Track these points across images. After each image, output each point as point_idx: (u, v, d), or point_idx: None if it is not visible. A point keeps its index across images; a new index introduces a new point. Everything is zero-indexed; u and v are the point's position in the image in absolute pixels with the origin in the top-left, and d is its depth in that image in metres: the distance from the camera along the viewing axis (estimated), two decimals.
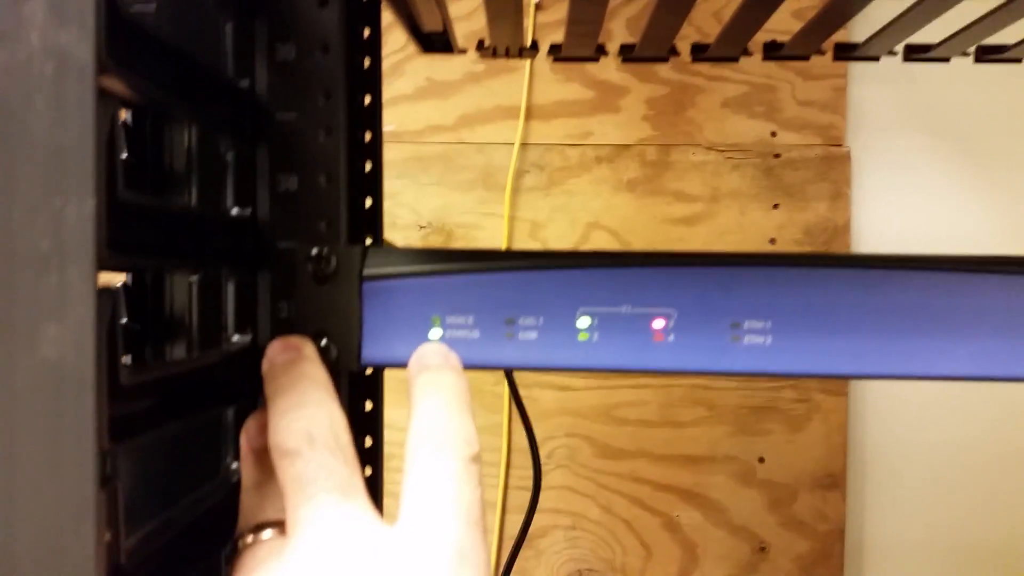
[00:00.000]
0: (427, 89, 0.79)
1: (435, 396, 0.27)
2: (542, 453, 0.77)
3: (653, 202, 0.78)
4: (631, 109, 0.79)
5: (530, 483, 0.66)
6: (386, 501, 0.35)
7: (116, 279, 0.29)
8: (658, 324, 0.29)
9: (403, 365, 0.29)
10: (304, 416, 0.25)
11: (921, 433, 0.78)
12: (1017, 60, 0.39)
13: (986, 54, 0.39)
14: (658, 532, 0.77)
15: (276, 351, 0.27)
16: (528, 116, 0.79)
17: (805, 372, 0.29)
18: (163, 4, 0.31)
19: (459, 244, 0.78)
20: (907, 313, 0.29)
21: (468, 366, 0.29)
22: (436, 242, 0.78)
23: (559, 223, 0.78)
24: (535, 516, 0.75)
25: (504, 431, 0.77)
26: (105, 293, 0.20)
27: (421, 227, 0.78)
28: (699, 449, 0.77)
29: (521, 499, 0.77)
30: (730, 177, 0.78)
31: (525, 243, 0.78)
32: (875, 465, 0.78)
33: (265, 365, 0.27)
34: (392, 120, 0.79)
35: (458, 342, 0.30)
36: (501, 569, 0.70)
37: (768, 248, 0.77)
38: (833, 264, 0.29)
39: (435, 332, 0.30)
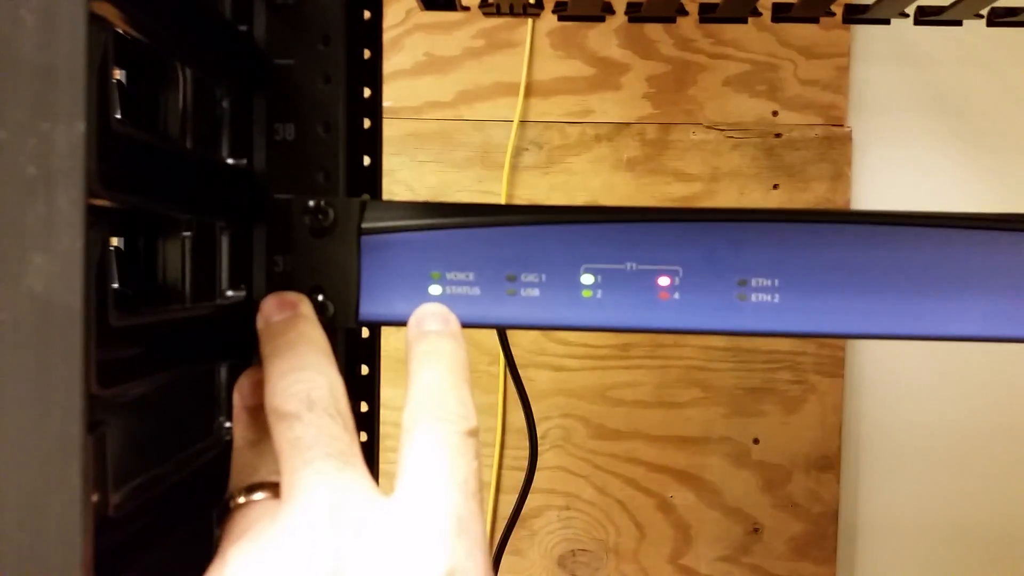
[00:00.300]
0: (426, 64, 0.78)
1: (433, 366, 0.26)
2: (537, 433, 0.76)
3: (652, 181, 0.77)
4: (632, 87, 0.78)
5: (525, 463, 0.66)
6: (380, 480, 0.35)
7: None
8: (663, 282, 0.29)
9: (402, 323, 0.29)
10: (303, 379, 0.24)
11: (916, 415, 0.78)
12: None
13: (999, 17, 0.39)
14: (652, 513, 0.76)
15: (272, 308, 0.27)
16: (527, 93, 0.78)
17: (814, 331, 0.28)
18: None
19: None
20: (918, 271, 0.28)
21: (468, 324, 0.28)
22: None
23: (558, 201, 0.77)
24: (530, 497, 0.75)
25: (499, 411, 0.76)
26: (96, 221, 0.19)
27: None
28: (694, 430, 0.76)
29: (515, 479, 0.76)
30: (730, 156, 0.77)
31: None
32: (870, 447, 0.78)
33: (260, 322, 0.27)
34: (390, 96, 0.78)
35: (458, 299, 0.29)
36: (495, 549, 0.70)
37: None
38: (842, 220, 0.28)
39: (435, 288, 0.29)
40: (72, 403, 0.18)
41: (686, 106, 0.77)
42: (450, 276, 0.29)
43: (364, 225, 0.29)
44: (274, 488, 0.24)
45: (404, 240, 0.29)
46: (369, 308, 0.29)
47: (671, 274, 0.28)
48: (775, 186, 0.77)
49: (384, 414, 0.35)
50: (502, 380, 0.76)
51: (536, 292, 0.29)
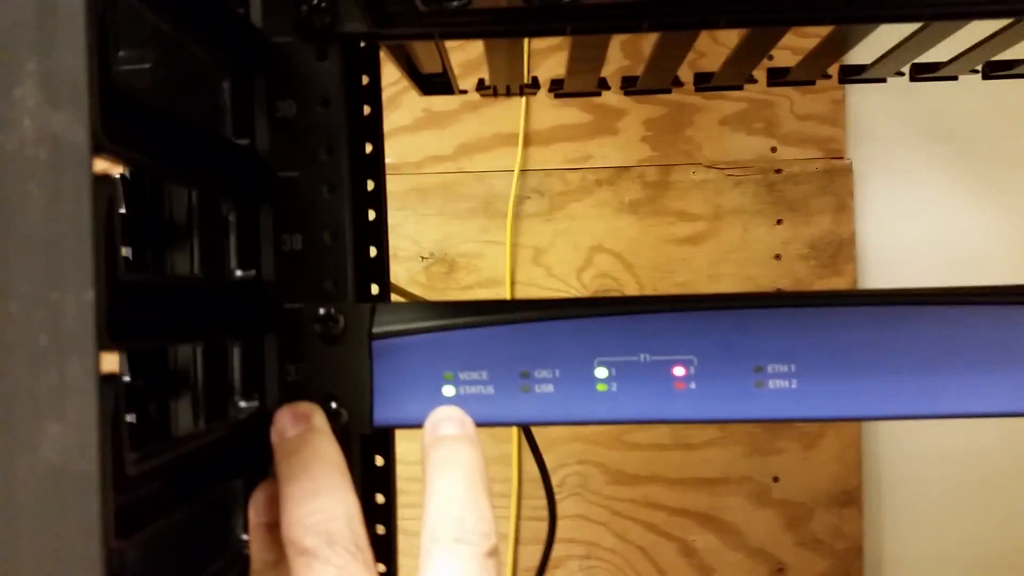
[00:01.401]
0: (425, 120, 0.79)
1: (451, 476, 0.26)
2: (554, 481, 0.76)
3: (656, 223, 0.77)
4: (629, 131, 0.78)
5: (542, 513, 0.65)
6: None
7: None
8: (678, 372, 0.28)
9: (417, 426, 0.28)
10: (320, 509, 0.24)
11: (936, 446, 0.77)
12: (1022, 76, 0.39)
13: (995, 70, 0.39)
14: (674, 558, 0.75)
15: (285, 422, 0.27)
16: (527, 142, 0.78)
17: (834, 416, 0.28)
18: (158, 63, 0.31)
19: (462, 273, 0.78)
20: (936, 350, 0.28)
21: (483, 423, 0.28)
22: (438, 272, 0.78)
23: (562, 248, 0.77)
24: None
25: (514, 461, 0.76)
26: (108, 382, 0.19)
27: (423, 258, 0.78)
28: (713, 471, 0.76)
29: (533, 530, 0.76)
30: (732, 194, 0.77)
31: (528, 269, 0.77)
32: (891, 480, 0.77)
33: (275, 437, 0.26)
34: (390, 153, 0.78)
35: (472, 399, 0.29)
36: None
37: (774, 264, 0.76)
38: (856, 302, 0.28)
39: (448, 389, 0.29)
40: (92, 567, 0.18)
41: (684, 147, 0.78)
42: (463, 376, 0.29)
43: (374, 330, 0.29)
44: None
45: (415, 343, 0.29)
46: (383, 413, 0.29)
47: (686, 364, 0.28)
48: (779, 221, 0.77)
49: (400, 469, 0.35)
50: (516, 430, 0.76)
51: (551, 388, 0.29)
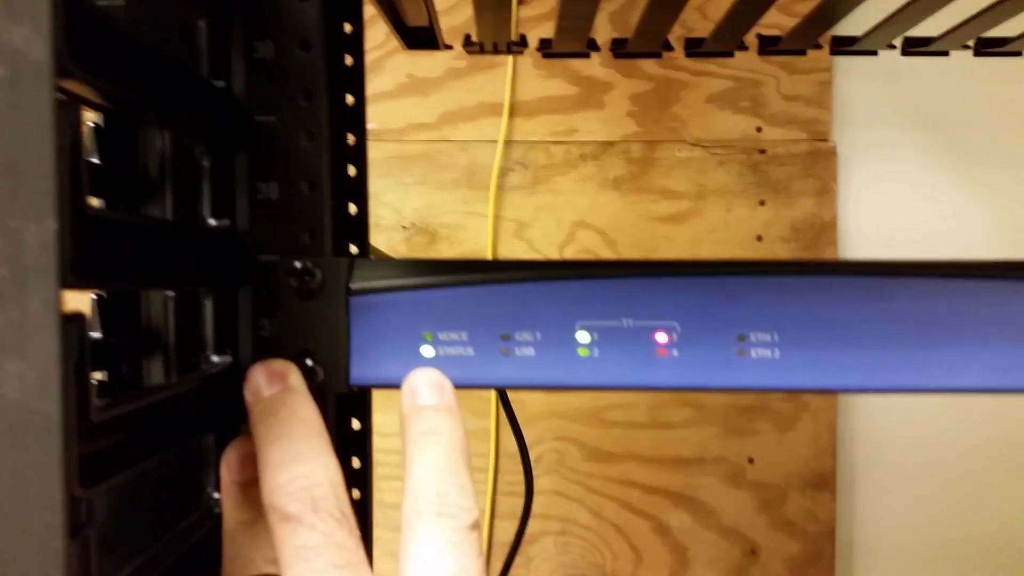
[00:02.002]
0: (408, 86, 0.77)
1: (432, 450, 0.25)
2: (530, 458, 0.75)
3: (639, 200, 0.77)
4: (616, 105, 0.77)
5: (519, 488, 0.65)
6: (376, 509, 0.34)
7: (85, 296, 0.27)
8: (661, 338, 0.28)
9: (394, 386, 0.28)
10: (303, 474, 0.24)
11: (910, 431, 0.77)
12: (1017, 53, 0.38)
13: (986, 47, 0.38)
14: (648, 536, 0.76)
15: (261, 380, 0.26)
16: (512, 113, 0.77)
17: (817, 387, 0.27)
18: (132, 1, 0.29)
19: (443, 244, 0.77)
20: (920, 323, 0.27)
21: (462, 386, 0.28)
22: (420, 242, 0.77)
23: (544, 222, 0.77)
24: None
25: (492, 436, 0.76)
26: (72, 322, 0.18)
27: (404, 228, 0.77)
28: (688, 451, 0.76)
29: (510, 505, 0.75)
30: (716, 174, 0.77)
31: (510, 243, 0.76)
32: (865, 464, 0.78)
33: (249, 396, 0.26)
34: (373, 118, 0.77)
35: (451, 360, 0.28)
36: None
37: (755, 245, 0.76)
38: (843, 272, 0.28)
39: (427, 349, 0.28)
40: (53, 511, 0.17)
41: (670, 124, 0.77)
42: (443, 336, 0.28)
43: (352, 286, 0.28)
44: None
45: (394, 300, 0.28)
46: (360, 372, 0.28)
47: (668, 330, 0.28)
48: (761, 202, 0.76)
49: (376, 441, 0.34)
50: (494, 404, 0.75)
51: (531, 351, 0.28)
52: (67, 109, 0.18)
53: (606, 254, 0.76)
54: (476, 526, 0.25)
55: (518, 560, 0.75)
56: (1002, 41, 0.38)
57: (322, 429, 0.25)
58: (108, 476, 0.19)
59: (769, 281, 0.28)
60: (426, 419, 0.26)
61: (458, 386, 0.28)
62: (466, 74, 0.77)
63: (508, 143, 0.77)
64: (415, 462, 0.25)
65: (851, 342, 0.28)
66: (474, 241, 0.76)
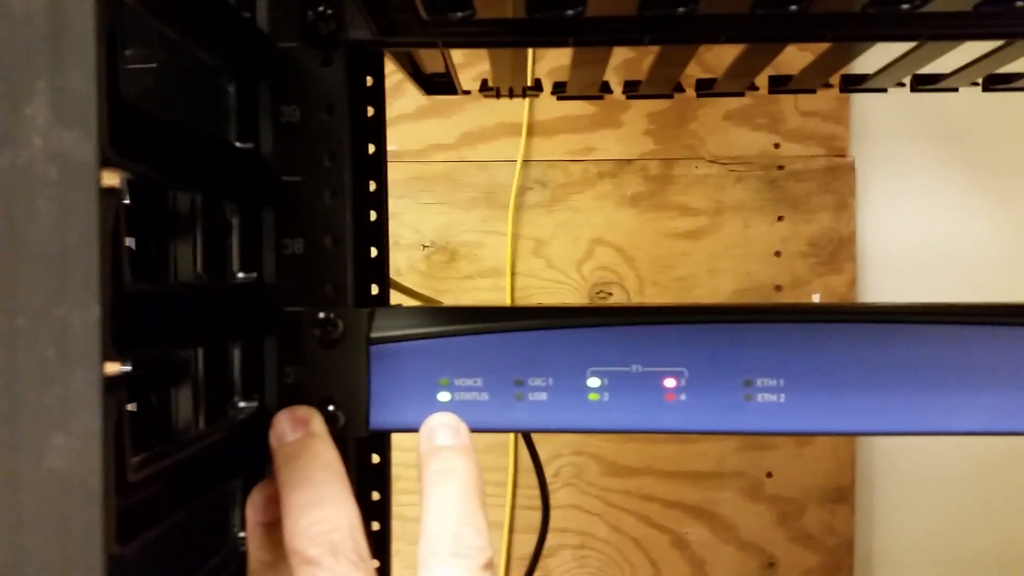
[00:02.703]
0: (428, 108, 0.79)
1: (446, 490, 0.26)
2: (549, 472, 0.77)
3: (656, 217, 0.78)
4: (633, 123, 0.78)
5: (536, 502, 0.66)
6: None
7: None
8: (669, 383, 0.29)
9: (412, 430, 0.29)
10: (323, 519, 0.25)
11: (929, 443, 0.77)
12: (1022, 90, 0.39)
13: (994, 83, 0.39)
14: (667, 550, 0.77)
15: (285, 426, 0.27)
16: (530, 133, 0.78)
17: (820, 431, 0.28)
18: (164, 65, 0.31)
19: (463, 262, 0.78)
20: (924, 367, 0.28)
21: (477, 429, 0.29)
22: (439, 261, 0.78)
23: (563, 240, 0.78)
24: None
25: (511, 450, 0.77)
26: (111, 394, 0.19)
27: (424, 247, 0.78)
28: (707, 465, 0.77)
29: (528, 519, 0.77)
30: (733, 190, 0.77)
31: (529, 260, 0.78)
32: (884, 477, 0.78)
33: (274, 441, 0.27)
34: (393, 140, 0.79)
35: (467, 404, 0.29)
36: None
37: (773, 260, 0.77)
38: (846, 318, 0.29)
39: (444, 395, 0.29)
40: (94, 570, 0.18)
41: (688, 141, 0.78)
42: (458, 382, 0.29)
43: (373, 335, 0.29)
44: None
45: (412, 348, 0.29)
46: (379, 417, 0.29)
47: (677, 375, 0.29)
48: (780, 218, 0.77)
49: (396, 455, 0.35)
50: None
51: (544, 396, 0.29)
52: (108, 198, 0.19)
53: (624, 271, 0.77)
54: (489, 566, 0.26)
55: (537, 574, 0.76)
56: (1011, 77, 0.38)
57: (342, 473, 0.26)
58: (144, 530, 0.21)
59: (774, 328, 0.29)
60: (442, 459, 0.28)
61: (473, 430, 0.29)
62: (499, 99, 0.79)
63: (526, 162, 0.78)
64: (431, 500, 0.27)
65: (855, 386, 0.28)
66: (493, 259, 0.78)
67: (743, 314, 0.29)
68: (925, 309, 0.29)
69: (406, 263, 0.78)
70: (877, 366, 0.28)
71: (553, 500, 0.77)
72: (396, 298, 0.43)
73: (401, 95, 0.78)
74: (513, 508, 0.77)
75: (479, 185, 0.78)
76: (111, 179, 0.20)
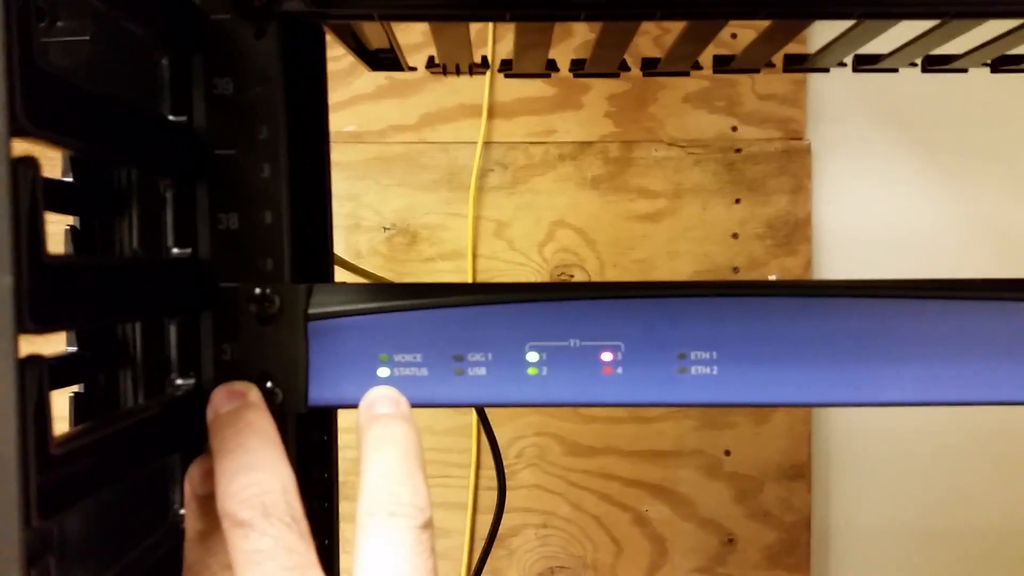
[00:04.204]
0: (388, 88, 0.78)
1: (385, 454, 0.27)
2: (511, 453, 0.77)
3: (617, 199, 0.78)
4: (593, 106, 0.79)
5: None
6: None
7: None
8: (606, 357, 0.29)
9: (352, 406, 0.29)
10: (255, 482, 0.25)
11: (885, 422, 0.79)
12: (963, 70, 0.40)
13: (933, 64, 0.39)
14: (628, 527, 0.78)
15: (220, 399, 0.27)
16: (491, 114, 0.78)
17: (752, 402, 0.29)
18: (95, 38, 0.30)
19: (424, 245, 0.78)
20: (852, 340, 0.29)
21: (417, 404, 0.29)
22: (400, 243, 0.78)
23: (524, 222, 0.78)
24: (507, 516, 0.76)
25: (473, 432, 0.77)
26: (30, 367, 0.19)
27: (385, 228, 0.78)
28: (666, 444, 0.78)
29: (491, 499, 0.77)
30: (692, 172, 0.78)
31: (490, 242, 0.78)
32: (839, 455, 0.80)
33: (210, 414, 0.27)
34: (353, 120, 0.78)
35: (407, 380, 0.29)
36: (472, 571, 0.71)
37: (731, 242, 0.77)
38: (777, 292, 0.29)
39: (383, 371, 0.29)
40: (9, 543, 0.18)
41: (647, 124, 0.78)
42: (398, 358, 0.29)
43: (311, 311, 0.29)
44: None
45: (351, 324, 0.29)
46: (318, 393, 0.29)
47: (614, 349, 0.29)
48: (737, 200, 0.78)
49: (342, 438, 0.35)
50: None
51: (483, 371, 0.29)
52: (23, 167, 0.19)
53: (584, 253, 0.78)
54: (428, 525, 0.26)
55: (501, 552, 0.77)
56: (948, 58, 0.39)
57: (276, 441, 0.26)
58: (70, 504, 0.21)
59: (708, 302, 0.29)
60: (382, 426, 0.28)
61: (414, 405, 0.29)
62: (445, 76, 0.78)
63: (487, 144, 0.78)
64: (369, 466, 0.27)
65: (786, 359, 0.29)
66: (454, 241, 0.78)
67: (678, 289, 0.29)
68: (855, 284, 0.29)
69: (367, 245, 0.78)
70: (808, 339, 0.29)
71: (516, 480, 0.78)
72: (346, 278, 0.43)
73: (360, 75, 0.78)
74: (476, 489, 0.78)
75: (440, 167, 0.78)
76: (23, 148, 0.19)
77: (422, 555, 0.25)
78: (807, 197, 0.77)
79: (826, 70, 0.40)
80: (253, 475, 0.25)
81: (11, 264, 0.18)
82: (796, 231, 0.77)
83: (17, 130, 0.19)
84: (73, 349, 0.32)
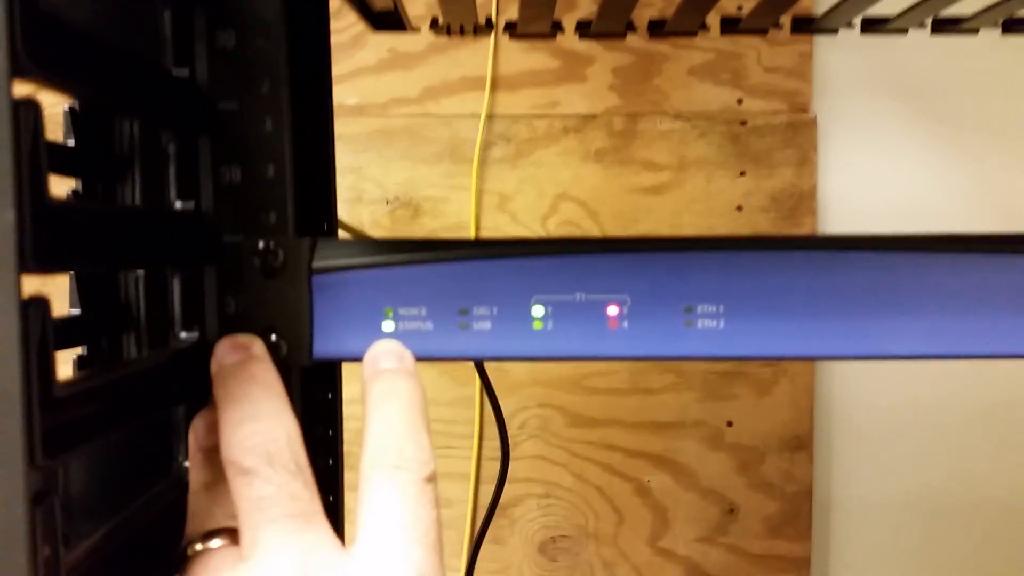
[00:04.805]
0: (390, 61, 0.78)
1: (389, 408, 0.27)
2: (515, 424, 0.77)
3: (621, 172, 0.78)
4: (597, 78, 0.78)
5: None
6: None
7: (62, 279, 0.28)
8: (612, 311, 0.29)
9: (356, 359, 0.29)
10: (260, 431, 0.25)
11: (886, 394, 0.79)
12: (974, 31, 0.39)
13: (942, 26, 0.39)
14: (629, 497, 0.78)
15: (224, 351, 0.27)
16: (494, 87, 0.78)
17: (758, 355, 0.29)
18: None
19: (426, 218, 0.78)
20: (857, 293, 0.29)
21: (421, 358, 0.29)
22: (403, 216, 0.78)
23: (527, 195, 0.78)
24: (509, 486, 0.76)
25: (476, 403, 0.77)
26: (33, 305, 0.19)
27: (388, 202, 0.78)
28: (669, 415, 0.78)
29: (494, 470, 0.77)
30: (697, 145, 0.77)
31: (493, 216, 0.78)
32: (841, 426, 0.80)
33: (214, 367, 0.27)
34: (355, 93, 0.78)
35: (411, 334, 0.29)
36: (473, 539, 0.71)
37: (735, 215, 0.77)
38: (782, 246, 0.29)
39: (387, 324, 0.29)
40: (14, 481, 0.18)
41: (652, 96, 0.78)
42: (402, 312, 0.29)
43: (315, 264, 0.29)
44: (231, 534, 0.25)
45: (355, 278, 0.29)
46: (323, 346, 0.29)
47: (619, 303, 0.29)
48: (742, 173, 0.77)
49: (347, 409, 0.35)
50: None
51: (488, 325, 0.29)
52: (25, 108, 0.19)
53: (588, 226, 0.77)
54: (432, 479, 0.26)
55: (503, 522, 0.78)
56: (957, 20, 0.38)
57: (281, 392, 0.26)
58: (74, 446, 0.21)
59: (714, 256, 0.29)
60: (386, 380, 0.28)
61: (418, 358, 0.29)
62: (448, 48, 0.78)
63: (491, 117, 0.77)
64: (374, 420, 0.27)
65: (791, 312, 0.29)
66: (457, 215, 0.78)
67: (684, 243, 0.29)
68: (859, 238, 0.29)
69: (370, 218, 0.77)
70: (813, 292, 0.29)
71: (519, 451, 0.78)
72: None
73: (363, 47, 0.77)
74: (479, 459, 0.78)
75: (443, 140, 0.78)
76: (25, 88, 0.19)
77: (426, 506, 0.25)
78: (812, 170, 0.77)
79: (834, 31, 0.39)
80: (258, 424, 0.25)
81: (13, 201, 0.18)
82: (801, 204, 0.77)
83: (18, 69, 0.19)
84: (76, 312, 0.32)
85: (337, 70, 0.79)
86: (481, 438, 0.78)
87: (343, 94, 0.78)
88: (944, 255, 0.29)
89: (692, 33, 0.39)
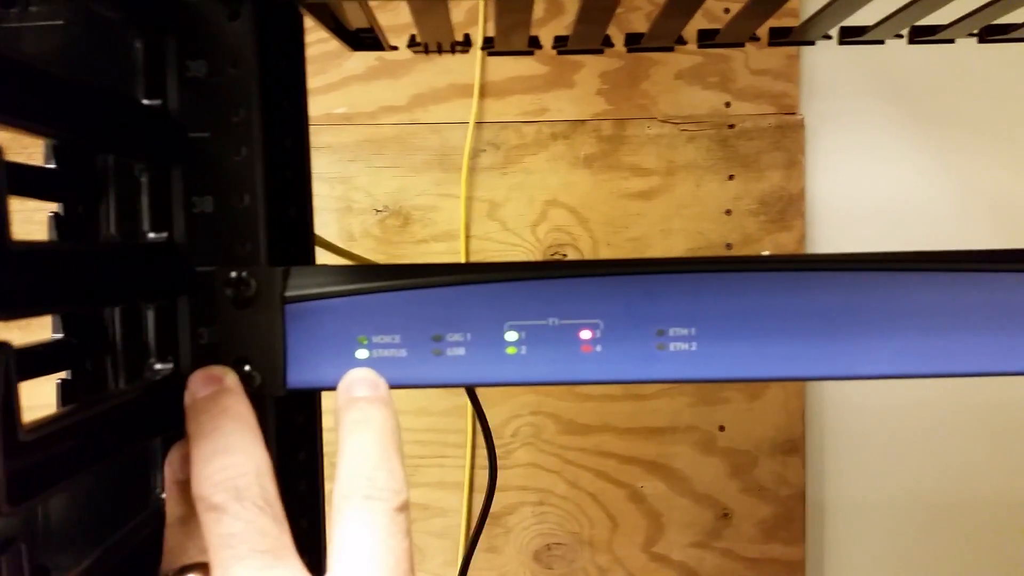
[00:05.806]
0: (379, 69, 0.78)
1: (362, 436, 0.27)
2: (507, 432, 0.77)
3: (610, 177, 0.78)
4: (585, 84, 0.78)
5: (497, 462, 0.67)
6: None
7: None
8: (585, 335, 0.29)
9: (330, 388, 0.29)
10: (229, 465, 0.25)
11: (878, 396, 0.79)
12: (950, 41, 0.39)
13: (920, 35, 0.39)
14: (623, 503, 0.78)
15: (197, 384, 0.27)
16: (482, 94, 0.78)
17: (732, 377, 0.29)
18: (72, 21, 0.30)
19: (416, 226, 0.78)
20: (831, 314, 0.29)
21: (396, 386, 0.29)
22: (393, 225, 0.78)
23: (517, 202, 0.78)
24: (502, 494, 0.76)
25: (468, 412, 0.77)
26: None
27: (377, 211, 0.78)
28: (661, 421, 0.78)
29: (486, 478, 0.78)
30: (685, 149, 0.77)
31: (483, 223, 0.77)
32: (834, 429, 0.80)
33: (187, 399, 0.27)
34: (344, 102, 0.78)
35: (385, 361, 0.29)
36: (466, 548, 0.71)
37: (724, 219, 0.77)
38: (755, 267, 0.29)
39: (361, 352, 0.29)
40: None
41: (640, 101, 0.77)
42: (376, 339, 0.29)
43: (287, 294, 0.29)
44: (204, 569, 0.25)
45: (328, 307, 0.29)
46: (297, 375, 0.29)
47: (592, 327, 0.29)
48: (731, 176, 0.77)
49: (326, 435, 0.35)
50: None
51: (462, 351, 0.29)
52: None
53: (578, 232, 0.77)
54: (404, 508, 0.26)
55: (497, 530, 0.78)
56: (934, 29, 0.38)
57: (253, 424, 0.26)
58: (40, 491, 0.21)
59: (685, 278, 0.29)
60: (359, 409, 0.28)
61: (393, 386, 0.29)
62: (436, 56, 0.78)
63: (479, 124, 0.77)
64: (346, 449, 0.27)
65: (764, 333, 0.29)
66: (447, 222, 0.78)
67: (656, 266, 0.29)
68: (832, 258, 0.29)
69: (360, 228, 0.77)
70: (785, 313, 0.29)
71: (512, 459, 0.78)
72: (333, 260, 0.43)
73: (350, 56, 0.77)
74: (472, 468, 0.78)
75: (432, 148, 0.78)
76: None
77: (397, 536, 0.25)
78: (801, 172, 0.77)
79: (811, 43, 0.39)
80: (227, 458, 0.25)
81: None
82: (790, 206, 0.77)
83: None
84: (59, 336, 0.32)
85: (325, 79, 0.79)
86: (474, 447, 0.78)
87: (331, 103, 0.78)
88: (918, 274, 0.29)
89: (669, 48, 0.39)
